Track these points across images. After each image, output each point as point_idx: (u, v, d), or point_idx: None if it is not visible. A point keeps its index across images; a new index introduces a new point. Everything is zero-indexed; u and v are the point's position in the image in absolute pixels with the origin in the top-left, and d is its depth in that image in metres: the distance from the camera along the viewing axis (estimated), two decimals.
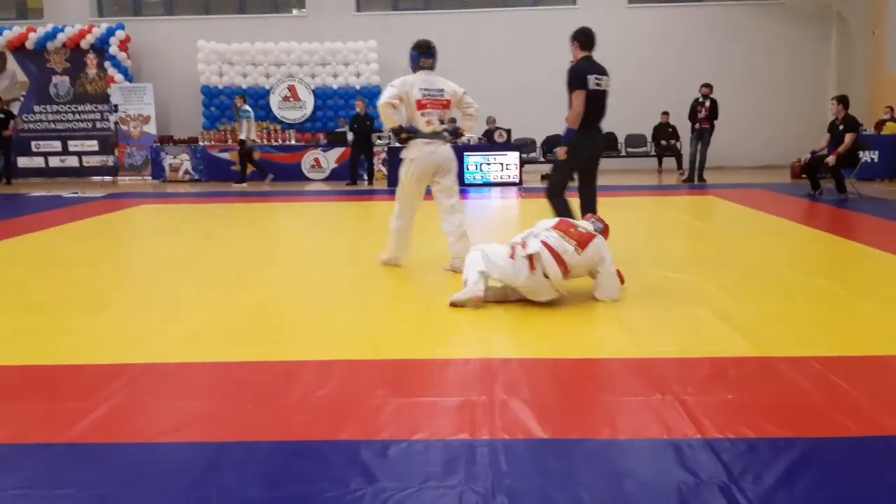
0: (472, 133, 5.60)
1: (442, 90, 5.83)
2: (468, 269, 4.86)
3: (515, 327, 4.54)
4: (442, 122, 5.89)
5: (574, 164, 6.13)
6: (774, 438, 2.81)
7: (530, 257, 4.67)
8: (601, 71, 5.99)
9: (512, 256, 4.73)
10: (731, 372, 3.55)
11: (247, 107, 14.61)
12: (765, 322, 4.39)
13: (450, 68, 15.30)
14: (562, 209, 5.99)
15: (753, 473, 2.54)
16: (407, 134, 5.83)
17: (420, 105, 5.74)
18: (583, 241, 4.78)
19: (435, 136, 5.83)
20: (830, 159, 10.76)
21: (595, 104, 5.94)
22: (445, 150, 5.91)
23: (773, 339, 4.03)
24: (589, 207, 6.07)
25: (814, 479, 2.52)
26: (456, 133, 6.14)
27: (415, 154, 5.83)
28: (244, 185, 14.54)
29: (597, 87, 5.92)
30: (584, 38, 6.07)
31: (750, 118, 16.41)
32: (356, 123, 14.55)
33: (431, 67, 5.89)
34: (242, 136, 14.44)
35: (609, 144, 16.13)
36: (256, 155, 14.92)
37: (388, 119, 5.83)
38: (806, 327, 4.31)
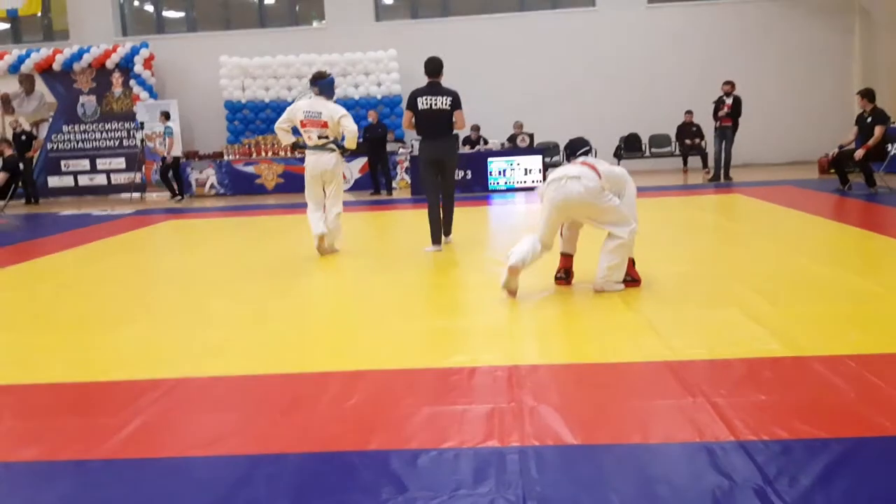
0: (353, 147, 7.09)
1: (320, 113, 7.25)
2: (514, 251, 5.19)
3: (543, 333, 4.52)
4: (323, 137, 7.25)
5: (423, 170, 7.58)
6: (810, 439, 2.76)
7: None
8: (435, 93, 7.30)
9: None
10: (763, 373, 3.50)
11: (169, 124, 15.06)
12: (797, 321, 4.33)
13: (470, 74, 15.45)
14: (433, 210, 7.42)
15: (789, 475, 2.50)
16: (301, 149, 7.53)
17: (303, 124, 7.28)
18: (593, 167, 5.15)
19: (316, 148, 7.28)
20: (859, 153, 10.61)
21: (426, 121, 7.33)
22: (327, 159, 7.29)
23: (806, 338, 3.97)
24: (446, 200, 7.54)
25: (851, 480, 2.47)
26: (341, 148, 7.35)
27: (306, 162, 7.44)
28: (178, 197, 15.09)
29: (426, 108, 7.27)
30: (426, 68, 7.40)
31: (775, 114, 16.22)
32: (368, 133, 14.63)
33: (318, 94, 7.33)
34: (173, 154, 14.99)
35: (633, 145, 16.06)
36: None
37: (282, 139, 7.64)
38: (839, 325, 4.24)
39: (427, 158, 7.47)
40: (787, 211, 9.10)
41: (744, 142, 14.06)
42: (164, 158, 15.09)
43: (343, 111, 7.35)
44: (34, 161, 16.43)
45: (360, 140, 15.13)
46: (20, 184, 15.91)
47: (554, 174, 5.26)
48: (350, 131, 7.24)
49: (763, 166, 16.02)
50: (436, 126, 7.32)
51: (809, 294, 5.01)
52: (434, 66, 7.38)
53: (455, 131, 7.56)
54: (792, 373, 3.49)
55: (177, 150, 15.22)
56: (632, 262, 5.34)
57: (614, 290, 5.15)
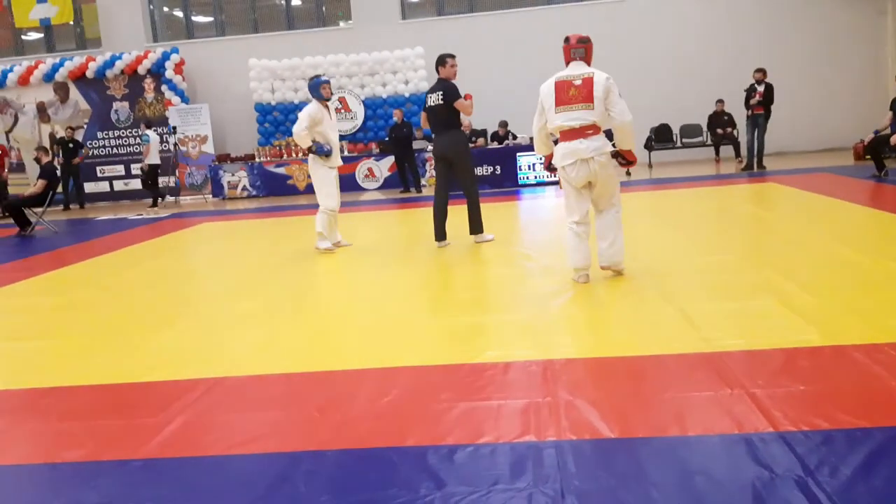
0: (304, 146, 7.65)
1: None
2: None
3: (576, 327, 4.51)
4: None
5: (435, 167, 7.67)
6: (851, 429, 2.73)
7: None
8: (435, 90, 7.36)
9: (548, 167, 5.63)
10: (802, 363, 3.46)
11: (147, 132, 15.11)
12: (835, 309, 4.27)
13: (496, 70, 15.42)
14: (436, 207, 7.46)
15: (830, 466, 2.47)
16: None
17: None
18: (587, 82, 5.18)
19: None
20: (895, 138, 10.41)
21: (429, 117, 7.47)
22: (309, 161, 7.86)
23: (844, 327, 3.92)
24: (468, 197, 7.43)
25: (894, 469, 2.44)
26: (318, 151, 7.68)
27: None
28: (156, 207, 15.05)
29: (428, 105, 7.41)
30: (435, 63, 7.49)
31: (808, 100, 15.97)
32: (394, 132, 14.67)
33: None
34: (148, 161, 14.95)
35: (663, 136, 15.91)
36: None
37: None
38: (878, 313, 4.16)
39: (435, 154, 7.61)
40: (822, 198, 8.96)
41: (777, 129, 13.86)
42: (148, 166, 15.13)
43: (301, 113, 7.75)
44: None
45: (386, 139, 15.45)
46: (60, 189, 16.32)
47: (566, 155, 5.22)
48: (293, 131, 7.67)
49: (797, 154, 15.78)
50: (436, 121, 7.39)
51: (847, 282, 4.93)
52: (436, 62, 7.49)
53: (462, 126, 7.56)
54: (831, 362, 3.45)
55: (154, 158, 15.03)
56: (631, 153, 5.47)
57: (619, 269, 5.42)
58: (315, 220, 7.78)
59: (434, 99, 7.32)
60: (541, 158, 5.79)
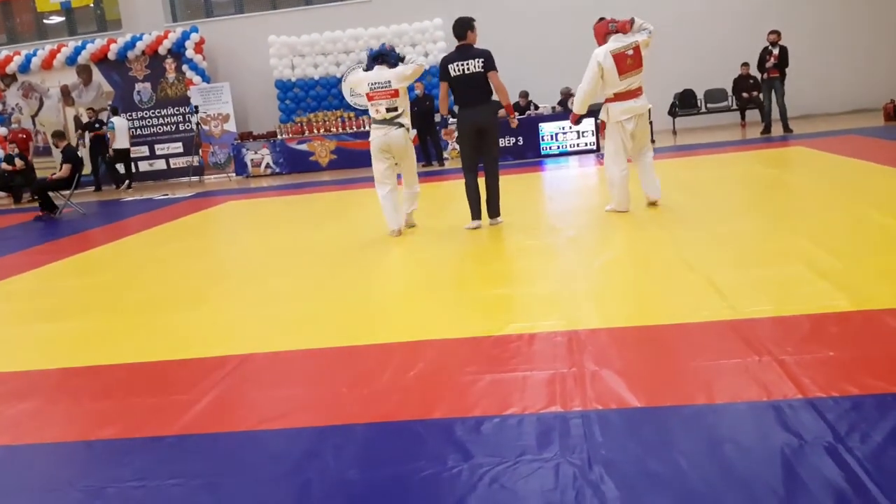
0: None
1: (389, 81, 6.80)
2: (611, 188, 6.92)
3: (601, 297, 4.48)
4: (392, 109, 6.85)
5: (462, 142, 6.97)
6: (882, 394, 2.70)
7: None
8: (466, 56, 6.70)
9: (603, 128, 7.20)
10: (831, 328, 3.42)
11: (112, 120, 16.11)
12: (864, 274, 4.21)
13: (516, 41, 15.23)
14: (470, 186, 6.88)
15: (861, 432, 2.45)
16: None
17: (369, 97, 6.92)
18: (637, 50, 6.72)
19: (384, 122, 6.89)
20: None
21: (461, 88, 6.75)
22: (395, 134, 6.91)
23: (874, 292, 3.86)
24: (489, 176, 6.90)
25: None
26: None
27: (371, 137, 7.12)
28: (128, 188, 16.19)
29: (458, 73, 6.70)
30: (453, 31, 6.89)
31: (833, 60, 15.59)
32: (416, 105, 14.53)
33: (381, 64, 6.92)
34: (113, 146, 16.02)
35: (688, 102, 15.68)
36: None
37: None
38: None
39: (466, 128, 6.82)
40: (851, 161, 8.81)
41: (802, 91, 13.62)
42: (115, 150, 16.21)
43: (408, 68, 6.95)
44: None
45: (415, 109, 15.33)
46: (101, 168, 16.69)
47: (624, 111, 6.68)
48: (413, 67, 6.92)
49: (824, 116, 15.49)
50: (471, 91, 6.73)
51: (877, 246, 4.86)
52: (460, 27, 6.80)
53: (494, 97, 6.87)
54: (861, 327, 3.41)
55: (122, 143, 16.15)
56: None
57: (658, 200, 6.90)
58: (410, 201, 7.29)
59: (473, 65, 6.65)
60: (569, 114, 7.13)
